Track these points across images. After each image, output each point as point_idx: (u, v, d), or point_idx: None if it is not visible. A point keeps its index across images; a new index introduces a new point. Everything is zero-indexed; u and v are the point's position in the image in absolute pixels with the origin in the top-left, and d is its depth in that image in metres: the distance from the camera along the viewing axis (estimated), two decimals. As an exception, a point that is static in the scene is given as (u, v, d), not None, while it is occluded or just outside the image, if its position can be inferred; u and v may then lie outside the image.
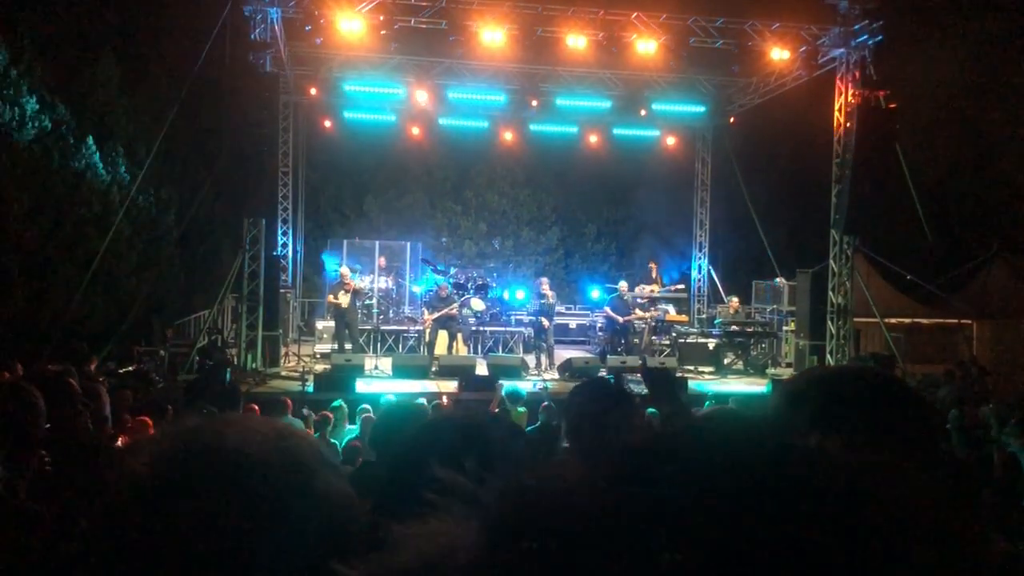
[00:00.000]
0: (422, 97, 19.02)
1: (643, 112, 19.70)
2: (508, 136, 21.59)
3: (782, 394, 1.52)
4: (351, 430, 9.98)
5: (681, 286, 20.73)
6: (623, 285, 17.47)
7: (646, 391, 4.05)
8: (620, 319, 16.90)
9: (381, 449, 3.63)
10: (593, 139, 21.68)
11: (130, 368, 14.05)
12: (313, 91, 19.01)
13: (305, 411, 10.71)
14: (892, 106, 15.30)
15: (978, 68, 22.94)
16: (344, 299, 15.98)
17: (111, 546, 0.81)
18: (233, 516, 0.81)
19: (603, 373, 15.03)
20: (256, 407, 8.95)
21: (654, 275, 20.01)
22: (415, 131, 21.01)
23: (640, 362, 15.10)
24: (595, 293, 20.20)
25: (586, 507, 0.46)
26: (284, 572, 0.82)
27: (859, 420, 1.33)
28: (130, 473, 0.85)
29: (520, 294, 18.89)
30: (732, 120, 20.11)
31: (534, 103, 19.38)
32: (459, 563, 0.46)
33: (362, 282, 17.11)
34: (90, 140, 17.89)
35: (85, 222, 17.60)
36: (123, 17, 20.03)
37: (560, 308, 18.87)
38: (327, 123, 20.74)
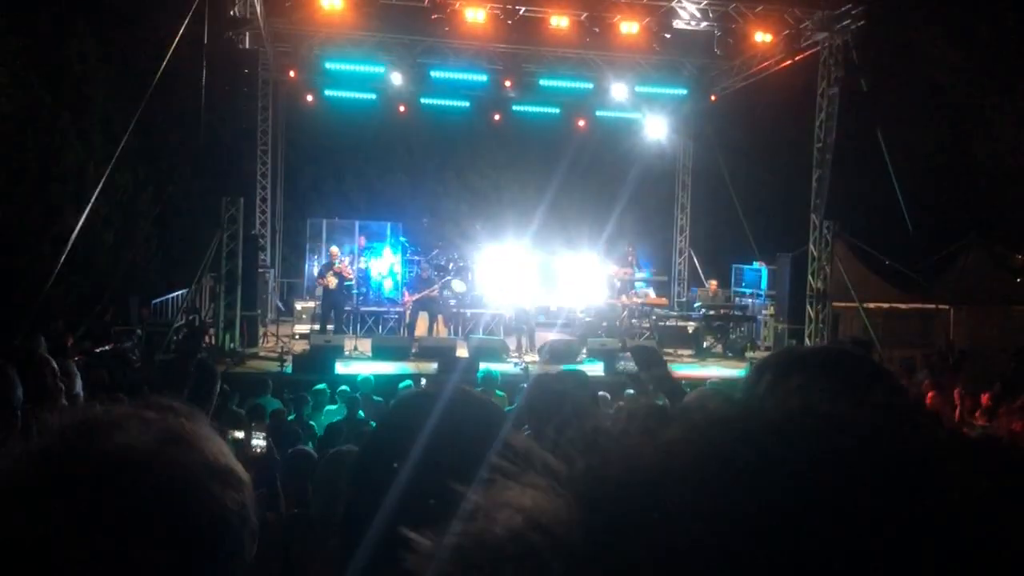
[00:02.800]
0: (403, 76, 18.87)
1: (625, 94, 19.63)
2: (490, 117, 21.48)
3: (751, 370, 1.58)
4: (329, 410, 9.94)
5: (663, 278, 20.80)
6: (613, 268, 17.48)
7: (635, 368, 4.11)
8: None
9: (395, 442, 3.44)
10: (575, 121, 21.61)
11: (106, 347, 13.92)
12: (292, 72, 18.81)
13: (284, 393, 10.67)
14: (875, 94, 15.34)
15: (960, 54, 23.02)
16: (332, 280, 15.92)
17: None
18: (98, 523, 0.76)
19: (583, 356, 15.07)
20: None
21: (630, 258, 19.99)
22: (397, 110, 20.84)
23: (620, 344, 15.12)
24: (582, 274, 20.18)
25: (685, 477, 0.43)
26: None
27: (818, 386, 1.33)
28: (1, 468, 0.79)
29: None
30: (713, 98, 20.05)
31: (514, 85, 19.23)
32: (553, 538, 0.43)
33: (349, 270, 16.96)
34: (65, 117, 17.62)
35: (60, 199, 17.36)
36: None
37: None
38: (308, 100, 20.53)
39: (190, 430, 0.87)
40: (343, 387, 10.65)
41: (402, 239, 20.50)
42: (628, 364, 12.75)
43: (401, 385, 10.98)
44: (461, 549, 0.45)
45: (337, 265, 16.15)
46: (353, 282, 17.67)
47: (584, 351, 15.20)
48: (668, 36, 16.81)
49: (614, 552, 0.41)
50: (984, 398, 10.29)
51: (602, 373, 13.56)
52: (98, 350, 13.70)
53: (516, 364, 14.42)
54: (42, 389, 3.22)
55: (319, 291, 17.19)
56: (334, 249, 17.03)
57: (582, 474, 0.45)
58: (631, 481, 0.44)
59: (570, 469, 0.45)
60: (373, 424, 6.17)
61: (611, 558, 0.41)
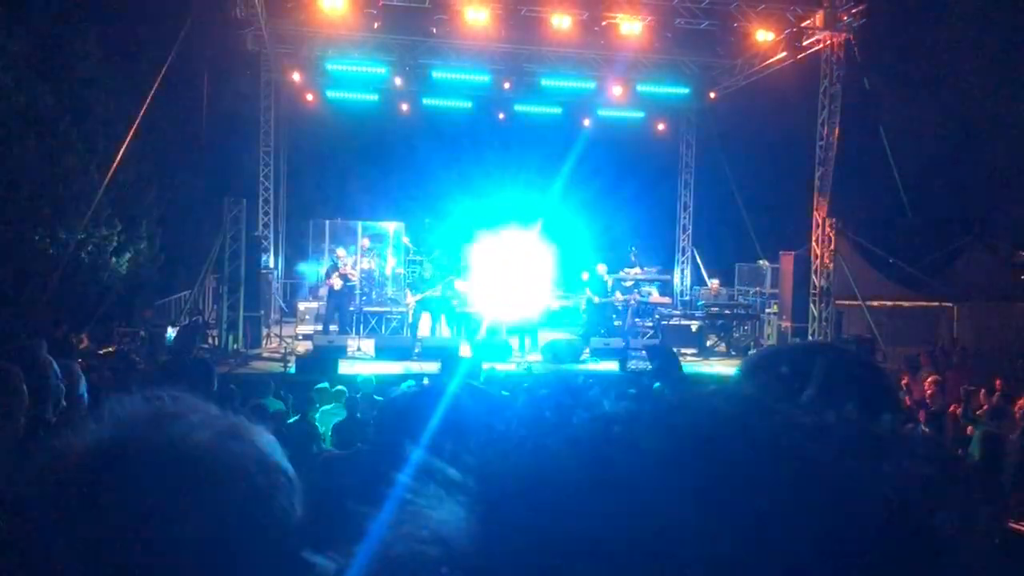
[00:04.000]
0: (405, 77, 18.88)
1: (628, 93, 19.63)
2: (493, 116, 21.49)
3: (742, 369, 1.58)
4: (325, 410, 9.91)
5: (666, 277, 20.78)
6: (602, 267, 17.45)
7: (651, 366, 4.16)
8: (596, 299, 16.87)
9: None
10: (577, 120, 21.61)
11: (110, 349, 13.93)
12: (294, 73, 18.82)
13: (282, 394, 10.66)
14: (877, 91, 15.33)
15: (962, 53, 22.98)
16: (337, 282, 15.96)
17: (41, 530, 0.79)
18: (162, 513, 0.79)
19: (586, 355, 15.09)
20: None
21: (633, 258, 19.98)
22: (399, 111, 20.84)
23: (623, 343, 15.15)
24: (585, 275, 20.17)
25: (576, 479, 0.44)
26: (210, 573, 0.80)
27: (809, 387, 1.35)
28: (63, 458, 0.82)
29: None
30: (713, 95, 20.05)
31: (514, 85, 19.26)
32: (451, 549, 0.44)
33: (354, 272, 16.97)
34: (68, 118, 17.63)
35: (63, 200, 17.37)
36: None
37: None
38: (310, 101, 20.54)
39: (246, 427, 0.92)
40: (339, 387, 10.64)
41: (404, 239, 20.52)
42: (641, 363, 12.82)
43: (403, 386, 10.96)
44: (365, 568, 0.47)
45: (342, 267, 16.19)
46: (355, 283, 17.70)
47: (587, 350, 15.20)
48: (670, 35, 16.81)
49: (505, 559, 0.42)
50: (983, 395, 10.27)
51: (617, 371, 13.59)
52: (101, 351, 13.73)
53: (519, 364, 14.42)
54: (44, 391, 3.23)
55: (323, 291, 17.21)
56: (340, 251, 17.05)
57: (476, 486, 0.46)
58: (522, 489, 0.45)
59: (466, 480, 0.46)
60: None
61: (503, 565, 0.42)
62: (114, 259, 18.39)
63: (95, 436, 0.85)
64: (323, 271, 18.16)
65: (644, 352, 12.99)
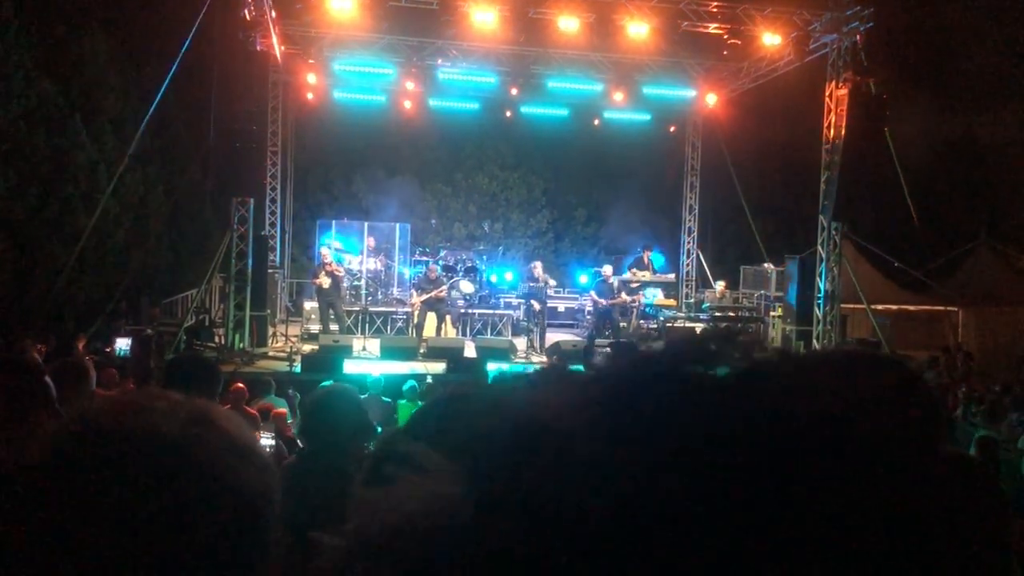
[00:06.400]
0: (412, 78, 18.94)
1: (634, 96, 19.65)
2: (499, 118, 21.53)
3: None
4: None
5: (671, 277, 20.82)
6: (607, 269, 17.47)
7: None
8: (604, 302, 16.89)
9: (314, 439, 3.35)
10: (584, 122, 21.63)
11: (116, 347, 13.99)
12: (302, 74, 18.89)
13: (291, 391, 10.72)
14: (884, 96, 15.33)
15: (968, 56, 22.98)
16: (325, 280, 15.99)
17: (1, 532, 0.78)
18: (126, 507, 0.78)
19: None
20: (243, 385, 8.93)
21: (645, 261, 20.04)
22: (405, 112, 20.90)
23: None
24: (583, 278, 20.25)
25: (577, 457, 0.45)
26: (181, 567, 0.79)
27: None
28: (26, 457, 0.81)
29: (509, 275, 18.89)
30: (717, 99, 20.08)
31: (521, 89, 19.29)
32: (450, 520, 0.45)
33: (339, 269, 16.98)
34: (77, 117, 17.72)
35: (72, 199, 17.46)
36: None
37: (549, 291, 18.90)
38: (317, 102, 20.61)
39: (216, 413, 0.89)
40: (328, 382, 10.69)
41: (409, 239, 20.62)
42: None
43: (405, 386, 11.01)
44: (360, 541, 0.49)
45: (331, 264, 16.25)
46: (362, 283, 17.76)
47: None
48: (676, 38, 16.82)
49: (496, 532, 0.44)
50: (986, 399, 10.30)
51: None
52: (108, 350, 13.80)
53: (524, 365, 14.46)
54: (32, 394, 3.24)
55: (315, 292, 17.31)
56: (324, 249, 17.18)
57: (474, 461, 0.48)
58: (511, 462, 0.46)
59: (462, 455, 0.48)
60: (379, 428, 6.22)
61: (491, 537, 0.44)
62: (122, 258, 18.47)
63: (54, 434, 0.83)
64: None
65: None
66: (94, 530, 0.76)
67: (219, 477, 0.83)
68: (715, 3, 15.85)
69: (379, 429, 5.59)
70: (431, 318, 16.52)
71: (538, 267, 17.06)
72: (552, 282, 16.64)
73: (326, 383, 10.58)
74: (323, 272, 16.03)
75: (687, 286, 22.53)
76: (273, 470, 0.91)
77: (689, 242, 22.80)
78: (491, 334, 17.77)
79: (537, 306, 16.32)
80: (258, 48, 15.35)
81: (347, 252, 19.27)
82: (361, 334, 16.26)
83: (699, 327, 17.80)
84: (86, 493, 0.78)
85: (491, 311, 18.46)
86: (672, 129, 22.39)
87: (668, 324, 17.87)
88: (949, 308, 19.07)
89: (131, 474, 0.79)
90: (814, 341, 16.19)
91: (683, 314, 19.34)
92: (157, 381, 9.92)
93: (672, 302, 19.26)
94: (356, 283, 18.54)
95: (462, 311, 17.80)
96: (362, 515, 0.50)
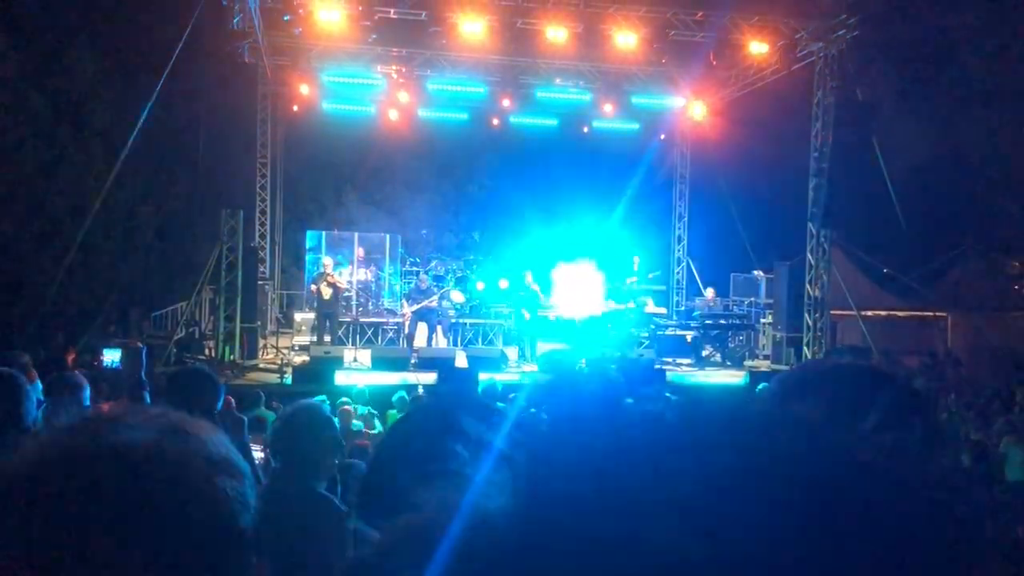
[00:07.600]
0: (402, 89, 18.97)
1: (623, 105, 19.72)
2: (488, 128, 21.56)
3: (782, 385, 1.50)
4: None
5: (662, 287, 20.88)
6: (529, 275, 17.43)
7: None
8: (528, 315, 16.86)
9: (286, 457, 3.33)
10: (573, 132, 21.68)
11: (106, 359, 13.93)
12: (291, 85, 18.90)
13: (274, 403, 10.68)
14: (871, 103, 15.44)
15: (955, 63, 23.13)
16: (327, 291, 15.96)
17: None
18: (104, 522, 0.78)
19: (583, 365, 15.08)
20: (230, 398, 8.90)
21: (635, 268, 20.07)
22: (395, 122, 20.91)
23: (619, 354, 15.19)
24: (503, 283, 20.14)
25: (627, 470, 0.45)
26: None
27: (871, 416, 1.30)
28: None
29: (503, 283, 18.84)
30: (706, 107, 20.17)
31: (510, 100, 19.35)
32: (495, 519, 0.45)
33: (341, 281, 16.99)
34: (65, 130, 17.69)
35: (60, 212, 17.41)
36: (99, 5, 19.79)
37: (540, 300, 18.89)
38: (306, 113, 20.60)
39: (189, 423, 0.89)
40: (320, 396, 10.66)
41: (400, 250, 20.59)
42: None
43: (394, 397, 11.00)
44: (406, 541, 0.50)
45: (332, 276, 16.22)
46: (352, 294, 17.72)
47: (583, 361, 15.19)
48: (664, 47, 16.91)
49: (544, 535, 0.44)
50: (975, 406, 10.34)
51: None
52: (96, 362, 13.73)
53: (518, 374, 14.45)
54: (9, 412, 3.23)
55: (310, 303, 17.26)
56: (327, 259, 17.13)
57: (523, 458, 0.48)
58: (569, 470, 0.46)
59: (515, 454, 0.49)
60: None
61: (541, 540, 0.44)
62: (111, 270, 18.42)
63: (26, 452, 0.83)
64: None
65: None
66: (69, 542, 0.76)
67: (193, 486, 0.83)
68: (702, 12, 15.93)
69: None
70: (422, 328, 16.51)
71: (529, 276, 17.06)
72: (535, 286, 16.62)
73: (320, 397, 10.57)
74: (324, 282, 16.00)
75: (677, 293, 22.57)
76: (250, 477, 0.91)
77: (679, 249, 22.86)
78: (482, 343, 17.76)
79: (527, 315, 16.32)
80: (247, 60, 15.35)
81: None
82: (352, 345, 16.23)
83: (689, 335, 17.83)
84: (60, 506, 0.78)
85: (482, 321, 18.45)
86: (661, 138, 22.45)
87: (658, 332, 17.86)
88: (938, 314, 19.16)
89: (105, 487, 0.79)
90: (804, 348, 16.24)
91: (673, 322, 19.37)
92: (151, 393, 9.87)
93: (662, 310, 19.28)
94: (347, 294, 18.52)
95: (453, 321, 17.79)
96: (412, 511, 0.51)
